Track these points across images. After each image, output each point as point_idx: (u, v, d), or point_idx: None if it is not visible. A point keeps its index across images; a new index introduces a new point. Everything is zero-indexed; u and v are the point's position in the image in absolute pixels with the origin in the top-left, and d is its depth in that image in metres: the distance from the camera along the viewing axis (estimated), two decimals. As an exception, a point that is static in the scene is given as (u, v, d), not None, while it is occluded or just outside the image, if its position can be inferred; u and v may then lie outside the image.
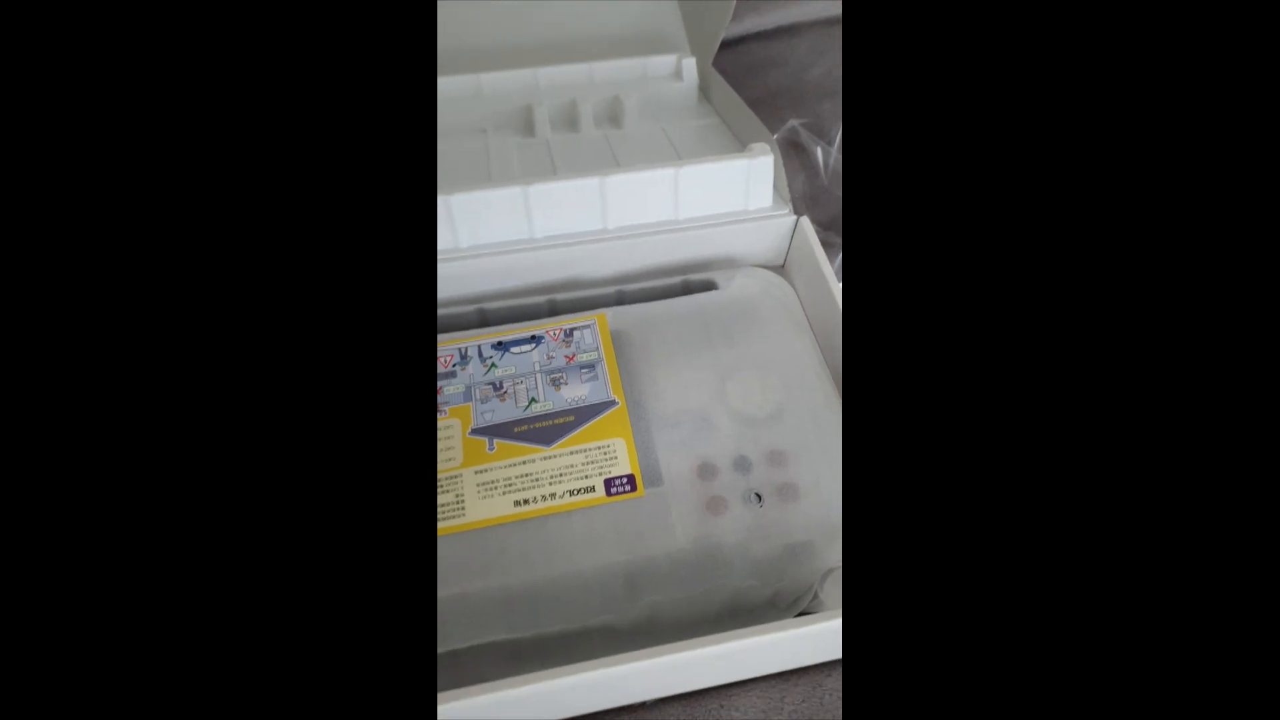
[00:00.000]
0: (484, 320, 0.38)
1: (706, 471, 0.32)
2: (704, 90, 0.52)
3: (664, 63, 0.50)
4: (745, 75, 0.53)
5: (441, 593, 0.28)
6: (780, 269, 0.42)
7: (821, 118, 0.54)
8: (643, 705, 0.32)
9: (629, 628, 0.29)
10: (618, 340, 0.35)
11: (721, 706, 0.32)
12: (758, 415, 0.33)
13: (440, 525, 0.30)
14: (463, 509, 0.30)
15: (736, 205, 0.39)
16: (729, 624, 0.28)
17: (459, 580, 0.29)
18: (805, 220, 0.39)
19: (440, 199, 0.35)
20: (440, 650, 0.28)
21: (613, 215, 0.38)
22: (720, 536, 0.30)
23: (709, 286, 0.39)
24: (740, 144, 0.46)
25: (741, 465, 0.32)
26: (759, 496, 0.31)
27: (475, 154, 0.45)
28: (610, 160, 0.45)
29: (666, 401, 0.33)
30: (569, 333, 0.35)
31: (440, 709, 0.25)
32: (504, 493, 0.31)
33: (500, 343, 0.35)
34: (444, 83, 0.49)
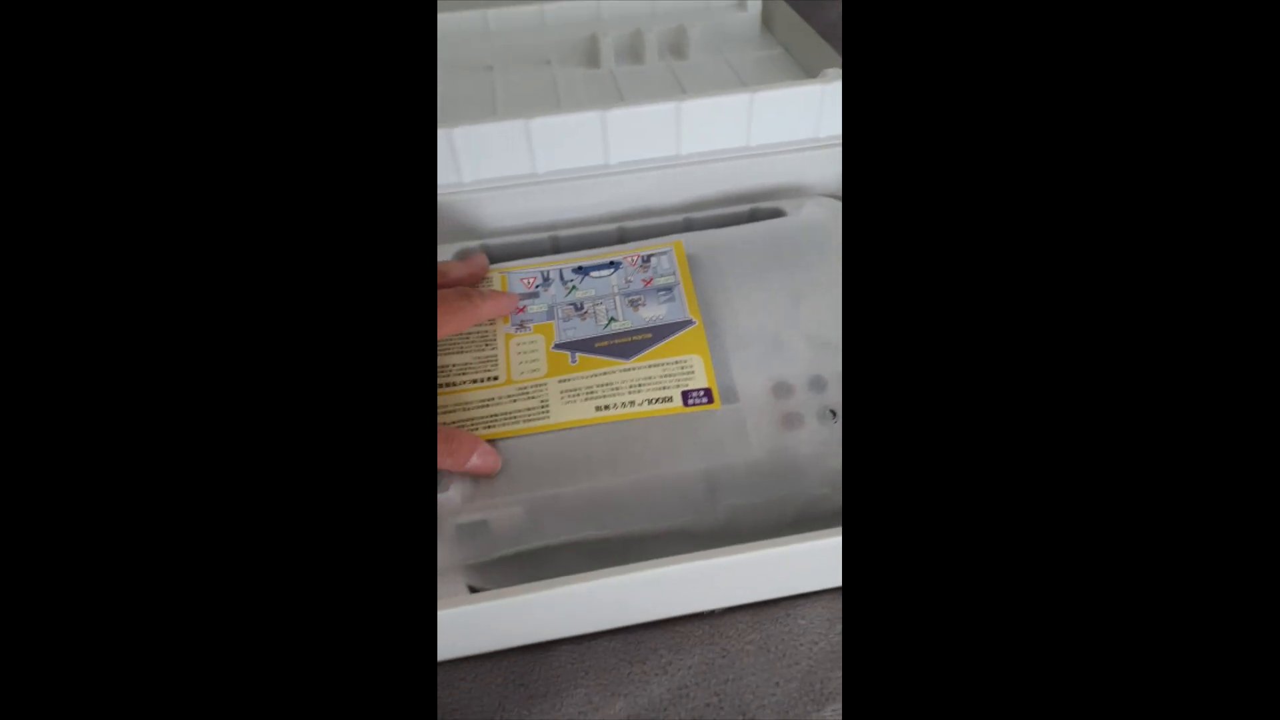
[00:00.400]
0: (556, 247, 0.39)
1: (782, 390, 0.32)
2: (766, 21, 0.51)
3: (728, -8, 0.50)
4: (809, 5, 0.52)
5: (532, 492, 0.30)
6: (848, 199, 0.42)
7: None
8: (711, 613, 0.34)
9: (707, 532, 0.31)
10: (692, 264, 0.36)
11: (788, 615, 0.34)
12: (831, 339, 0.34)
13: (527, 426, 0.32)
14: (547, 412, 0.32)
15: (808, 132, 0.39)
16: (803, 531, 0.29)
17: (547, 480, 0.30)
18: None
19: (518, 122, 0.36)
20: (534, 546, 0.30)
21: (686, 141, 0.38)
22: (796, 448, 0.31)
23: (777, 214, 0.39)
24: (806, 74, 0.45)
25: (816, 384, 0.33)
26: (834, 413, 0.32)
27: (542, 84, 0.46)
28: (677, 90, 0.44)
29: (741, 323, 0.34)
30: (646, 259, 0.36)
31: (518, 598, 0.27)
32: (586, 399, 0.32)
33: (580, 267, 0.36)
34: (506, 12, 0.49)
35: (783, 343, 0.34)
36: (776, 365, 0.33)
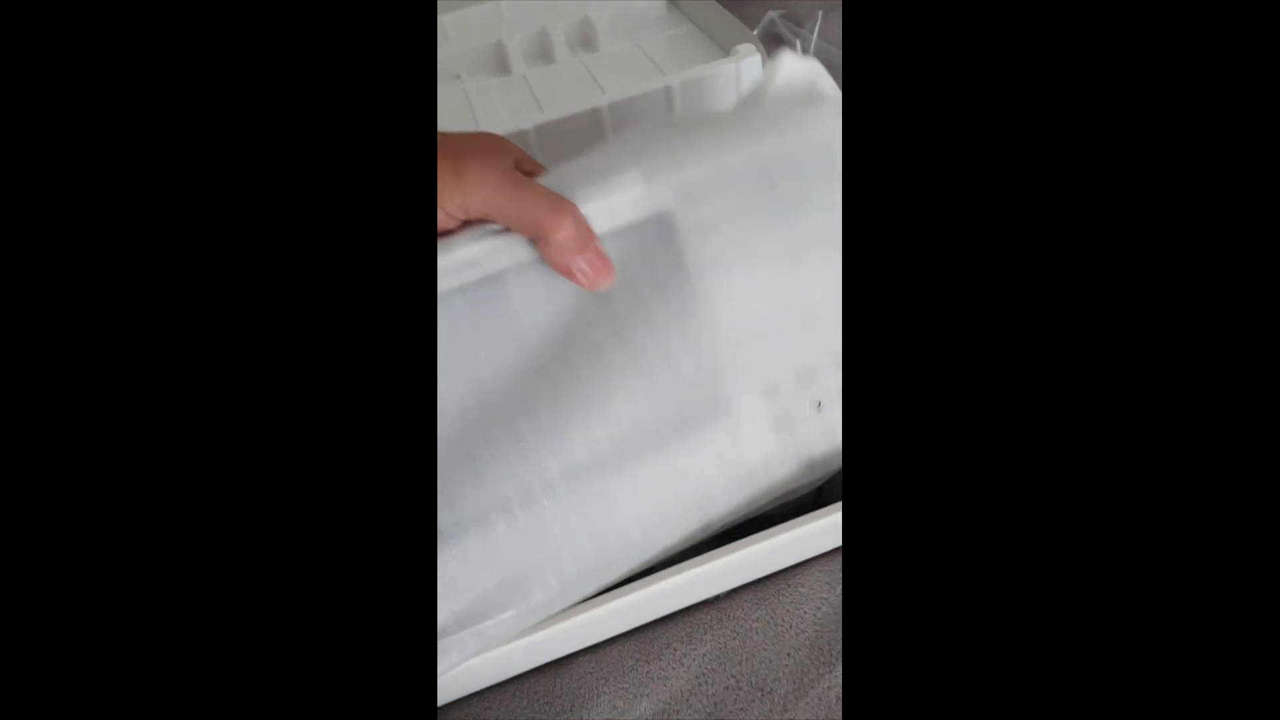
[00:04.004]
0: None
1: (770, 391, 0.29)
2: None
3: (627, -27, 0.49)
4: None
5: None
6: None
7: (797, 6, 0.52)
8: (717, 597, 0.35)
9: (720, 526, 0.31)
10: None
11: (788, 585, 0.35)
12: (820, 313, 0.29)
13: None
14: None
15: (730, 111, 0.39)
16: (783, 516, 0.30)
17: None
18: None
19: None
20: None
21: (612, 141, 0.38)
22: (784, 455, 0.30)
23: None
24: (720, 48, 0.45)
25: (804, 376, 0.30)
26: (820, 404, 0.30)
27: (455, 102, 0.45)
28: (593, 87, 0.44)
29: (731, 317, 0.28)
30: None
31: (554, 626, 0.28)
32: None
33: None
34: (408, 31, 0.48)
35: (770, 332, 0.29)
36: (767, 362, 0.29)
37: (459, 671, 0.26)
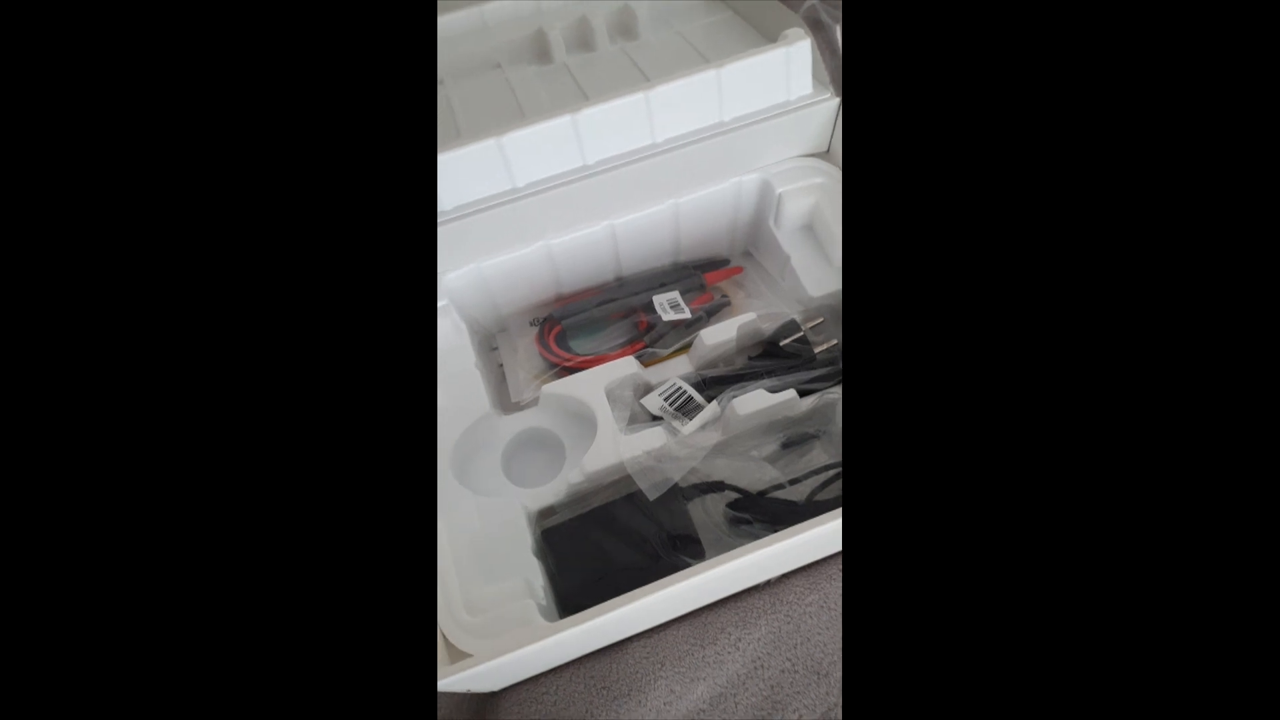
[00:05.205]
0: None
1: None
2: (710, -17, 0.50)
3: (666, -39, 0.49)
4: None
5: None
6: (825, 155, 0.42)
7: (834, -8, 0.52)
8: (767, 582, 0.35)
9: None
10: None
11: (840, 569, 0.35)
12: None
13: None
14: None
15: (780, 97, 0.39)
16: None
17: None
18: (847, 101, 0.39)
19: (489, 142, 0.35)
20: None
21: (660, 128, 0.38)
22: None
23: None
24: (760, 35, 0.45)
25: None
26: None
27: (498, 91, 0.45)
28: (636, 74, 0.44)
29: None
30: None
31: (610, 614, 0.28)
32: None
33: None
34: (446, 20, 0.48)
35: None
36: None
37: (512, 657, 0.27)
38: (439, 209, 0.36)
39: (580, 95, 0.43)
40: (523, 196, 0.37)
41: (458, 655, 0.29)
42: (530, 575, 0.32)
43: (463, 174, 0.36)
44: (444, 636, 0.29)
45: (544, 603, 0.32)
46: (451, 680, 0.27)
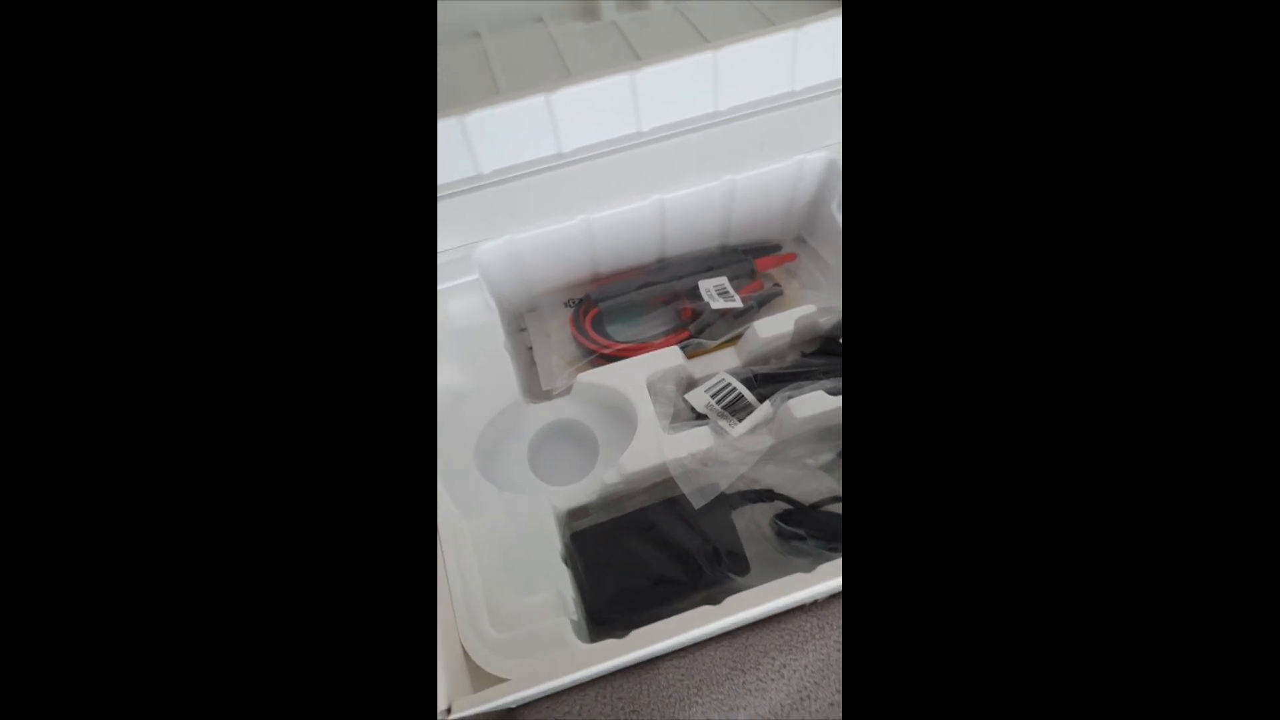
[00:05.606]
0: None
1: None
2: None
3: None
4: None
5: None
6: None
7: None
8: (814, 602, 0.32)
9: None
10: None
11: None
12: None
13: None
14: None
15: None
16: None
17: None
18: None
19: (538, 99, 0.32)
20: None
21: (725, 95, 0.34)
22: None
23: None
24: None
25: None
26: None
27: (540, 46, 0.41)
28: (694, 35, 0.40)
29: None
30: None
31: (653, 646, 0.25)
32: None
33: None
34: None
35: None
36: None
37: (532, 671, 0.24)
38: (478, 171, 0.33)
39: (631, 55, 0.39)
40: (569, 163, 0.34)
41: (483, 677, 0.26)
42: (563, 586, 0.29)
43: (502, 134, 0.32)
44: (468, 656, 0.26)
45: (575, 618, 0.29)
46: (479, 709, 0.24)
